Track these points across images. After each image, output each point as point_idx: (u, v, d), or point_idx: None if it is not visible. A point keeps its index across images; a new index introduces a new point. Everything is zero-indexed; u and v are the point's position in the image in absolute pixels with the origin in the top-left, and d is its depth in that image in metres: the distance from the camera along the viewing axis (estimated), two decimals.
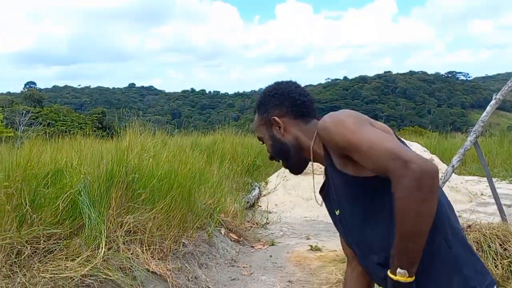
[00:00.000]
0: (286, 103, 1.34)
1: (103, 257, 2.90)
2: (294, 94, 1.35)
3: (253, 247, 4.57)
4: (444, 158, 7.98)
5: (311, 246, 4.50)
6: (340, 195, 1.25)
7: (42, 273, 2.76)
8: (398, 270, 1.03)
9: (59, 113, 42.73)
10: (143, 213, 3.42)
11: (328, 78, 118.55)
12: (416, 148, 7.68)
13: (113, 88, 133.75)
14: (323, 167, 1.34)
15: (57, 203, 3.12)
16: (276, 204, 6.22)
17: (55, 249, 3.03)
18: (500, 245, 3.32)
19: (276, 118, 1.34)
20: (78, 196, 3.21)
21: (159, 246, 3.38)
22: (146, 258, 3.23)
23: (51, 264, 2.85)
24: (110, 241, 3.08)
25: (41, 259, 2.94)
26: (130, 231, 3.30)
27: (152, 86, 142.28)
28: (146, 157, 3.90)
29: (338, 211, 1.29)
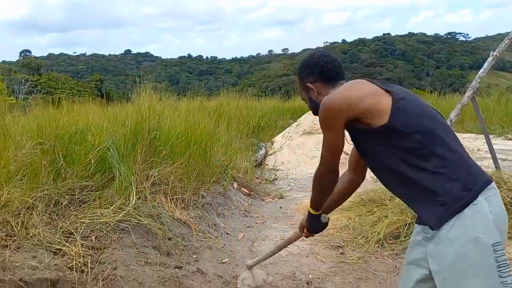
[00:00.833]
0: (316, 71, 1.70)
1: (134, 206, 3.22)
2: (322, 63, 1.70)
3: (264, 200, 4.91)
4: (447, 118, 8.24)
5: None
6: (358, 147, 1.68)
7: (81, 219, 3.08)
8: (309, 208, 1.85)
9: (57, 81, 42.48)
10: (166, 167, 3.72)
11: (327, 42, 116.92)
12: None
13: (109, 55, 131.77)
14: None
15: (89, 158, 3.42)
16: (282, 162, 6.53)
17: (89, 200, 3.34)
18: None
19: (310, 84, 1.72)
20: (107, 152, 3.49)
21: (181, 197, 3.70)
22: (171, 207, 3.55)
23: (87, 212, 3.17)
24: (138, 191, 3.38)
25: (77, 208, 3.26)
26: (155, 183, 3.60)
27: (148, 52, 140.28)
28: (165, 117, 4.15)
29: (360, 151, 1.69)
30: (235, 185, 4.77)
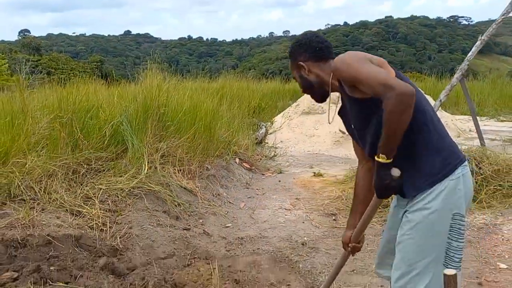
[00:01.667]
0: (308, 50, 1.75)
1: (146, 174, 3.52)
2: (314, 43, 1.75)
3: (264, 174, 5.22)
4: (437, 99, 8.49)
5: (314, 173, 5.15)
6: (352, 113, 1.69)
7: (98, 185, 3.39)
8: (381, 154, 1.50)
9: (58, 62, 42.38)
10: (173, 141, 4.02)
11: (328, 24, 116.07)
12: None
13: (109, 35, 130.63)
14: (337, 96, 1.79)
15: (103, 131, 3.70)
16: (281, 141, 6.83)
17: (104, 169, 3.65)
18: (476, 165, 3.94)
19: (302, 63, 1.75)
20: (119, 126, 3.78)
21: (188, 168, 4.01)
22: (178, 177, 3.86)
23: (103, 179, 3.48)
24: (149, 162, 3.68)
25: (93, 176, 3.57)
26: (164, 155, 3.90)
27: (148, 34, 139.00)
28: (171, 96, 4.43)
29: (353, 124, 1.72)
30: (237, 160, 5.08)
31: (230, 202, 4.13)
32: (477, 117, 4.98)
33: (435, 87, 10.55)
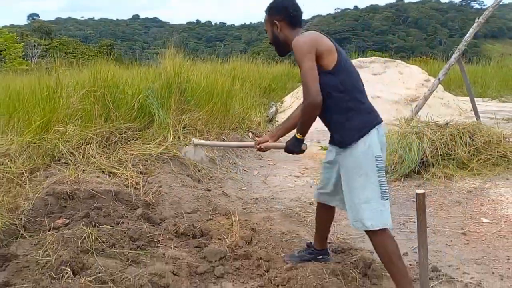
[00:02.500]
0: (284, 13, 2.20)
1: (171, 142, 3.95)
2: (290, 9, 2.21)
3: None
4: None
5: (321, 146, 5.56)
6: None
7: (130, 151, 3.83)
8: (298, 133, 2.15)
9: (68, 45, 42.80)
10: (194, 114, 4.44)
11: (338, 8, 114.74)
12: (415, 70, 8.51)
13: (117, 19, 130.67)
14: None
15: (132, 104, 4.13)
16: None
17: (133, 138, 4.09)
18: (470, 137, 4.31)
19: (276, 22, 2.21)
20: (146, 100, 4.21)
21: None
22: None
23: (134, 146, 3.92)
24: (173, 132, 4.11)
25: (124, 144, 4.01)
26: (186, 126, 4.33)
27: (156, 18, 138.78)
28: (190, 74, 4.83)
29: None
30: (250, 134, 5.49)
31: (244, 170, 4.56)
32: (481, 98, 5.34)
33: (439, 69, 10.79)
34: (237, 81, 7.50)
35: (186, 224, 2.99)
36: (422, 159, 4.14)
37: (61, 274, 2.20)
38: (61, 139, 3.69)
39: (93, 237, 2.58)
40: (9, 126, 3.90)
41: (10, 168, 3.44)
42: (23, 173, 3.39)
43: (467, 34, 4.77)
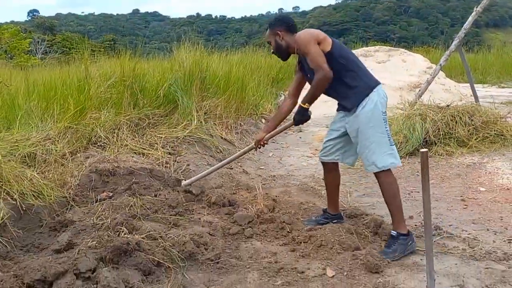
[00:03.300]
0: (284, 24, 2.70)
1: (195, 126, 4.33)
2: (288, 20, 2.75)
3: (286, 133, 6.00)
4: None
5: None
6: (306, 67, 2.64)
7: (158, 134, 4.20)
8: (306, 103, 2.59)
9: (71, 41, 43.04)
10: (213, 101, 4.80)
11: None
12: (418, 58, 8.84)
13: (117, 14, 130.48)
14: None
15: (158, 92, 4.50)
16: None
17: (159, 123, 4.46)
18: (469, 117, 4.67)
19: (278, 32, 2.68)
20: (170, 88, 4.57)
21: (225, 122, 4.80)
22: (219, 130, 4.66)
23: (162, 130, 4.29)
24: (196, 117, 4.48)
25: (152, 128, 4.38)
26: (206, 112, 4.70)
27: (156, 12, 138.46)
28: (208, 64, 5.20)
29: (308, 73, 2.69)
30: (263, 120, 5.86)
31: (260, 152, 4.92)
32: (481, 84, 5.67)
33: (441, 57, 11.12)
34: (247, 71, 7.86)
35: (216, 196, 3.37)
36: (425, 138, 4.50)
37: (118, 232, 2.58)
38: (96, 124, 4.06)
39: (139, 205, 2.96)
40: (48, 113, 4.27)
41: (53, 150, 3.82)
42: (65, 154, 3.77)
43: (466, 23, 5.09)
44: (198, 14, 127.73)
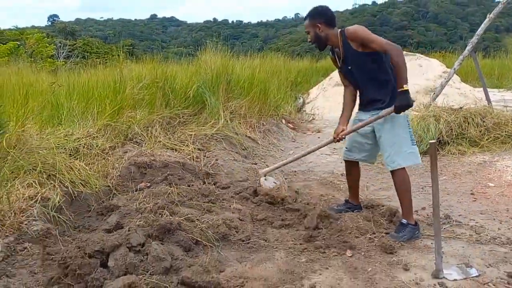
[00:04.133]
0: (324, 17, 2.86)
1: (222, 125, 4.67)
2: (329, 12, 2.89)
3: (305, 133, 6.31)
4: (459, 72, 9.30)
5: None
6: (355, 62, 2.84)
7: (189, 132, 4.55)
8: (404, 85, 2.63)
9: (92, 45, 44.10)
10: (238, 101, 5.14)
11: (356, 4, 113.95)
12: (434, 63, 9.05)
13: (135, 19, 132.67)
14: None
15: (188, 93, 4.86)
16: (317, 109, 7.88)
17: (189, 122, 4.81)
18: (481, 119, 4.90)
19: (318, 24, 2.84)
20: (198, 89, 4.93)
21: (249, 122, 5.13)
22: (243, 129, 4.99)
23: (191, 128, 4.64)
24: (223, 116, 4.82)
25: (182, 126, 4.74)
26: (232, 112, 5.03)
27: (174, 17, 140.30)
28: (233, 67, 5.54)
29: (352, 69, 2.88)
30: (284, 121, 6.18)
31: (281, 150, 5.25)
32: (497, 89, 5.88)
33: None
34: (267, 74, 8.20)
35: (242, 187, 3.69)
36: (438, 138, 4.75)
37: (161, 215, 2.92)
38: (132, 122, 4.43)
39: (176, 193, 3.30)
40: (88, 112, 4.66)
41: (94, 145, 4.20)
42: (105, 149, 4.14)
43: (479, 29, 5.32)
44: (214, 19, 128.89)
